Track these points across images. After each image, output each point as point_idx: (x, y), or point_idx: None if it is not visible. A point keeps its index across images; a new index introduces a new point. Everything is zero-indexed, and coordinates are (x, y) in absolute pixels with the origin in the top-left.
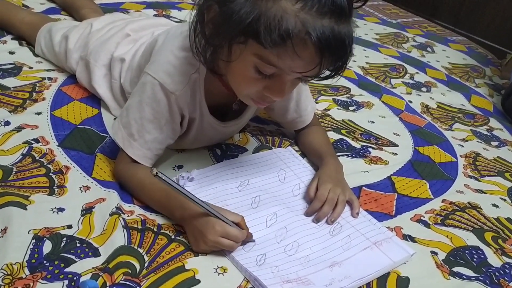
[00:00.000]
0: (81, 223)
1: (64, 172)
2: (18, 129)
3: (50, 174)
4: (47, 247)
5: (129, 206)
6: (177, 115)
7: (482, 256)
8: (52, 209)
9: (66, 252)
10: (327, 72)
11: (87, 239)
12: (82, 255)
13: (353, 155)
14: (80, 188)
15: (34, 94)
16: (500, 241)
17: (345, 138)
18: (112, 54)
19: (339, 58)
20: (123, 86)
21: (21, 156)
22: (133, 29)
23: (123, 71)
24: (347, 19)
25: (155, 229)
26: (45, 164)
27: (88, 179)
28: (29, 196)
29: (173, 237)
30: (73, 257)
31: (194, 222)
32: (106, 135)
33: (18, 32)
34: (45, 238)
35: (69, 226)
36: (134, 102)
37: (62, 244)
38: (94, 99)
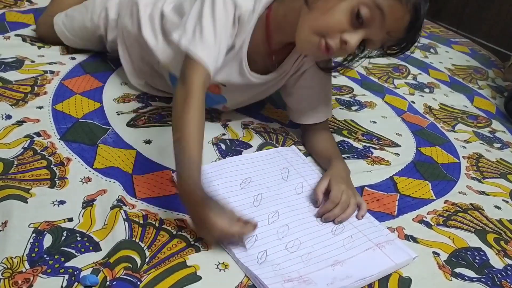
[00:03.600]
0: (82, 216)
1: (65, 164)
2: (20, 123)
3: (51, 166)
4: (47, 241)
5: (131, 199)
6: (232, 28)
7: (484, 258)
8: (53, 202)
9: (67, 246)
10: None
11: (87, 233)
12: (82, 250)
13: (355, 156)
14: (82, 179)
15: (36, 88)
16: (502, 242)
17: (346, 139)
18: None
19: (415, 32)
20: (164, 12)
21: (22, 150)
22: None
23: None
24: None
25: (156, 224)
26: (46, 156)
27: (89, 171)
28: (30, 189)
29: (174, 232)
30: (73, 251)
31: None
32: (108, 127)
33: None
34: (45, 232)
35: (70, 219)
36: (205, 8)
37: (63, 238)
38: (96, 93)
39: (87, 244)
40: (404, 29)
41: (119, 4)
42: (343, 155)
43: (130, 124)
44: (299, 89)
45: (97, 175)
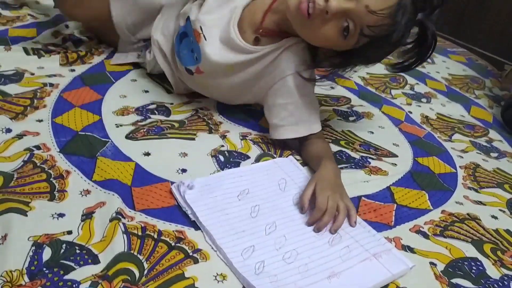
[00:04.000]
0: (81, 229)
1: (65, 176)
2: (19, 136)
3: (51, 179)
4: (46, 254)
5: (130, 211)
6: None
7: (481, 268)
8: (52, 215)
9: (66, 259)
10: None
11: (86, 245)
12: (81, 262)
13: (353, 166)
14: (81, 192)
15: (35, 101)
16: (499, 252)
17: (344, 149)
18: None
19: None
20: None
21: (22, 163)
22: None
23: None
24: (412, 20)
25: (155, 236)
26: (46, 169)
27: (88, 183)
28: (30, 202)
29: (173, 244)
30: (72, 264)
31: None
32: (107, 140)
33: None
34: (44, 245)
35: (69, 232)
36: None
37: (62, 251)
38: (95, 105)
39: (86, 256)
40: (389, 12)
41: None
42: (341, 165)
43: (129, 137)
44: (278, 100)
45: (96, 188)
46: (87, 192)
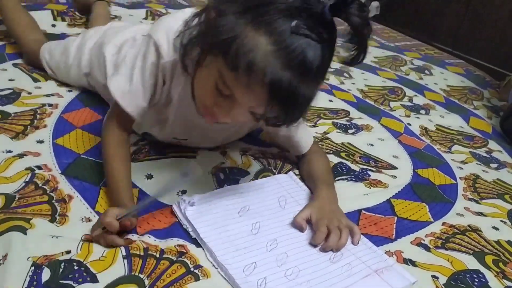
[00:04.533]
0: (80, 248)
1: (67, 201)
2: (20, 155)
3: (53, 201)
4: (46, 274)
5: (133, 235)
6: (156, 78)
7: (483, 280)
8: (52, 236)
9: (64, 278)
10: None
11: (84, 262)
12: (80, 280)
13: (353, 179)
14: (82, 218)
15: (35, 121)
16: (501, 264)
17: (344, 161)
18: (128, 36)
19: (287, 112)
20: None
21: (23, 183)
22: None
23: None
24: (313, 81)
25: (157, 255)
26: (48, 191)
27: (90, 212)
28: (31, 219)
29: (175, 259)
30: (71, 282)
31: None
32: None
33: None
34: (43, 266)
35: (68, 252)
36: (133, 59)
37: (61, 270)
38: (96, 127)
39: (85, 274)
40: (265, 106)
41: (90, 58)
42: (341, 178)
43: (132, 159)
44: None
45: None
46: (88, 219)
